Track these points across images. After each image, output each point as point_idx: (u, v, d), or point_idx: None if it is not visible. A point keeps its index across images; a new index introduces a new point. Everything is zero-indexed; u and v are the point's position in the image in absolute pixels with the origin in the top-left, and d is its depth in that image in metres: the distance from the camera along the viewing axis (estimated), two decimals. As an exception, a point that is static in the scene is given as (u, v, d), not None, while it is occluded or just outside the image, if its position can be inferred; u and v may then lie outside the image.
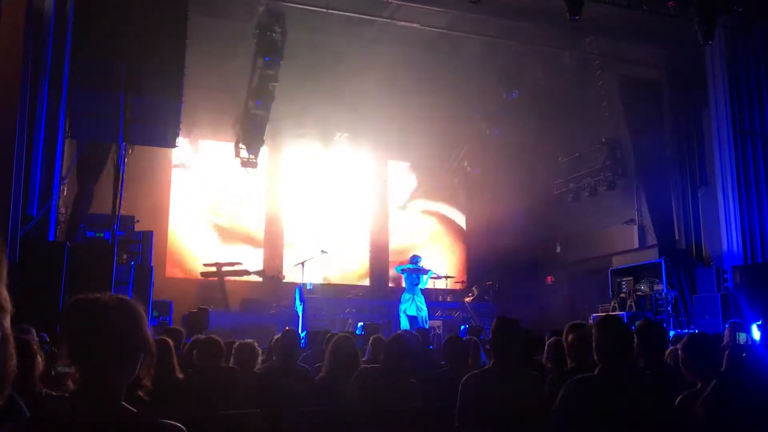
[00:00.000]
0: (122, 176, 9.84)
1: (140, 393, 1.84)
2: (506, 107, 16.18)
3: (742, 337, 3.28)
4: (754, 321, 9.01)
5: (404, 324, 12.06)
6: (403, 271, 13.27)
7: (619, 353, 3.19)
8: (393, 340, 4.76)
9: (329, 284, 15.99)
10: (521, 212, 16.01)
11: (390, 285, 17.05)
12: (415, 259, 12.90)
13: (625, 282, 14.26)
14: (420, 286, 12.55)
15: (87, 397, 1.74)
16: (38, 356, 3.25)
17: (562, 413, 3.18)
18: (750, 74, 12.90)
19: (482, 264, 17.22)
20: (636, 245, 15.35)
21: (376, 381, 4.33)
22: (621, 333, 3.27)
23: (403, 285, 13.16)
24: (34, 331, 4.90)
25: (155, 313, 10.76)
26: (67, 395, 1.80)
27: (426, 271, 12.85)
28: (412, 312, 12.28)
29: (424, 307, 12.44)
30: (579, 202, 16.79)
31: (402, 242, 17.82)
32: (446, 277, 15.61)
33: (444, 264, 17.48)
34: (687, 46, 13.42)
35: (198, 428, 2.69)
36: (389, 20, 13.58)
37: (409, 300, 12.39)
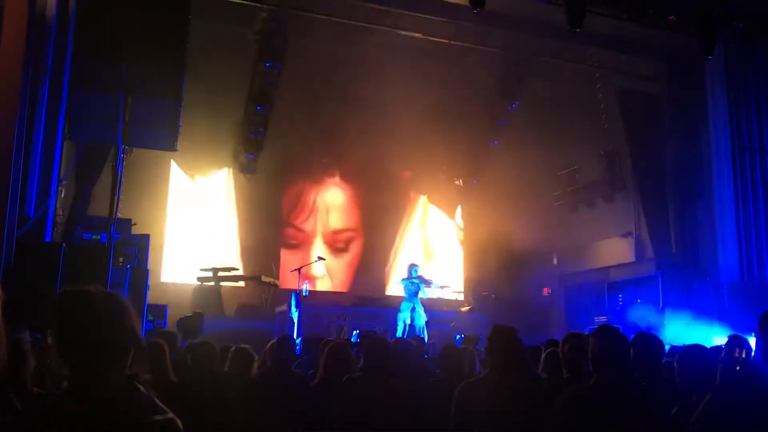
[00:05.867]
0: (120, 179, 9.82)
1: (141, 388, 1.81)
2: (506, 118, 16.20)
3: (737, 350, 3.26)
4: (750, 336, 8.96)
5: (400, 332, 11.94)
6: (405, 280, 12.96)
7: (615, 364, 3.17)
8: (370, 344, 4.73)
9: (326, 291, 15.94)
10: (519, 223, 15.99)
11: (387, 293, 17.00)
12: (414, 269, 12.63)
13: (622, 295, 14.25)
14: (421, 294, 12.35)
15: (77, 394, 1.72)
16: (29, 355, 3.23)
17: (557, 424, 3.17)
18: (749, 89, 12.95)
19: (479, 274, 17.18)
20: (633, 258, 15.33)
21: (359, 388, 4.31)
22: (618, 343, 3.25)
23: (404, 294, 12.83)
24: (27, 332, 4.87)
25: (150, 317, 10.70)
26: (57, 392, 1.79)
27: (428, 282, 12.53)
28: (410, 321, 12.14)
29: (424, 316, 12.20)
30: (577, 214, 16.80)
31: (399, 251, 17.79)
32: (442, 287, 15.51)
33: (441, 274, 17.43)
34: (687, 61, 13.51)
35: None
36: (391, 29, 13.61)
37: (407, 309, 12.22)
